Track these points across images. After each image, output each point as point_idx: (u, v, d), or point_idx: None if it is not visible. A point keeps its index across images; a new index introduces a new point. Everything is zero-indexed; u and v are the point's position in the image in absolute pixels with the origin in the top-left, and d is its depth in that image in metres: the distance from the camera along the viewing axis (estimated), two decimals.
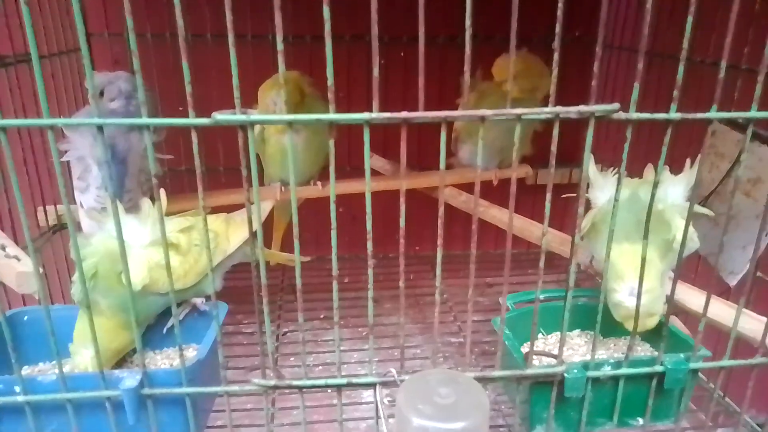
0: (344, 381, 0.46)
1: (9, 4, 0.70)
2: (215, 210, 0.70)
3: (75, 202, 0.70)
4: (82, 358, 0.50)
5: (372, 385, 0.46)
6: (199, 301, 0.60)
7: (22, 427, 0.45)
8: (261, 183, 0.92)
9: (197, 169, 0.39)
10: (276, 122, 0.39)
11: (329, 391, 0.65)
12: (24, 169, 0.72)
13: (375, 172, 0.94)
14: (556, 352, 0.47)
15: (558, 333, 0.60)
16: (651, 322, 0.52)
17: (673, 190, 0.58)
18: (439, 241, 0.42)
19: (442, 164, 0.41)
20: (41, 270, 0.59)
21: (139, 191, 0.72)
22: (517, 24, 0.37)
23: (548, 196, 0.41)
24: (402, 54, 0.98)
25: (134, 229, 0.55)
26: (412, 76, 0.96)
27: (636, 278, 0.45)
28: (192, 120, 0.38)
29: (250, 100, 0.84)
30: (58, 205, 0.77)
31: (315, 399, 0.63)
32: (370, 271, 0.44)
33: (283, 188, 0.82)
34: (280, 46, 0.36)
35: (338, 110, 0.38)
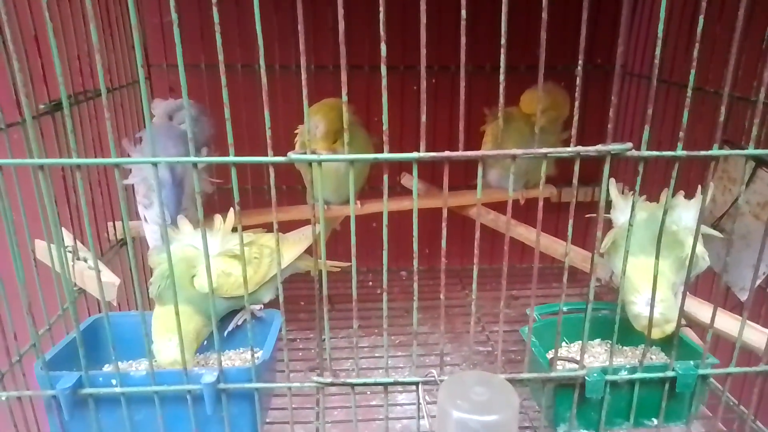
0: (391, 380, 0.53)
1: (71, 43, 0.79)
2: (264, 226, 0.78)
3: (140, 218, 0.78)
4: (167, 349, 0.57)
5: (415, 384, 0.53)
6: (256, 307, 0.67)
7: (117, 415, 0.53)
8: (304, 202, 1.01)
9: (272, 198, 0.47)
10: (340, 160, 0.45)
11: (368, 393, 0.72)
12: (98, 189, 0.80)
13: (408, 192, 1.01)
14: (578, 358, 0.53)
15: (580, 342, 0.66)
16: (669, 328, 0.57)
17: (686, 214, 0.64)
18: (476, 260, 0.49)
19: (479, 194, 0.48)
20: (119, 281, 0.68)
21: (194, 209, 0.80)
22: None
23: (570, 220, 0.48)
24: (434, 81, 1.05)
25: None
26: (441, 102, 1.03)
27: (651, 290, 0.51)
28: (270, 159, 0.45)
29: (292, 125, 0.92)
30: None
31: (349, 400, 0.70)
32: (415, 285, 0.50)
33: (326, 207, 0.90)
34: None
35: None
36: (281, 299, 0.51)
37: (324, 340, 0.52)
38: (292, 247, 0.71)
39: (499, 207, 0.91)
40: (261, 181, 1.06)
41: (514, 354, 0.89)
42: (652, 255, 0.54)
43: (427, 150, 0.45)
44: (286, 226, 0.84)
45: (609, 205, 0.69)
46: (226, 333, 0.68)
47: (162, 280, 0.60)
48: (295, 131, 0.90)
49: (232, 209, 0.68)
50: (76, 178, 0.45)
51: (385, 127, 0.45)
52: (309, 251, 1.04)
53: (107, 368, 0.65)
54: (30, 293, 0.50)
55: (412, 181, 1.07)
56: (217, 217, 0.66)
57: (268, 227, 0.78)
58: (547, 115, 0.82)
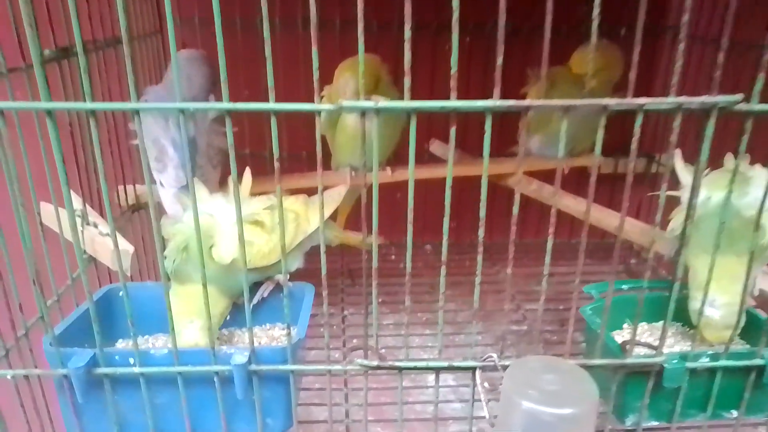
0: (445, 363, 0.47)
1: None
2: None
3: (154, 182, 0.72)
4: (189, 332, 0.51)
5: (471, 369, 0.47)
6: (281, 277, 0.61)
7: (136, 397, 0.47)
8: (328, 168, 0.94)
9: (318, 154, 0.40)
10: (399, 110, 0.38)
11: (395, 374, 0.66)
12: (108, 149, 0.74)
13: (438, 160, 0.94)
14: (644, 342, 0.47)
15: (645, 324, 0.60)
16: (727, 334, 0.51)
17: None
18: (513, 235, 0.42)
19: (521, 155, 0.41)
20: (133, 249, 0.61)
21: (210, 166, 0.74)
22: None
23: (627, 190, 0.41)
24: (468, 40, 0.98)
25: (223, 208, 0.57)
26: (475, 62, 0.95)
27: (717, 291, 0.46)
28: (318, 105, 0.38)
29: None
30: (136, 185, 0.79)
31: (380, 381, 0.64)
32: (479, 258, 0.44)
33: (353, 173, 0.83)
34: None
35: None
36: (323, 270, 0.45)
37: (370, 318, 0.46)
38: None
39: (542, 177, 0.84)
40: (261, 147, 0.99)
41: (550, 334, 0.84)
42: (722, 250, 0.46)
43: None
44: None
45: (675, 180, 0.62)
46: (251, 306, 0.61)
47: (178, 254, 0.53)
48: (321, 94, 0.83)
49: (248, 169, 0.62)
50: (88, 134, 0.39)
51: (453, 70, 0.38)
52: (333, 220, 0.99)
53: (121, 344, 0.59)
54: (37, 261, 0.44)
55: (440, 148, 1.01)
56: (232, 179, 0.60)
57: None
58: (599, 76, 0.74)
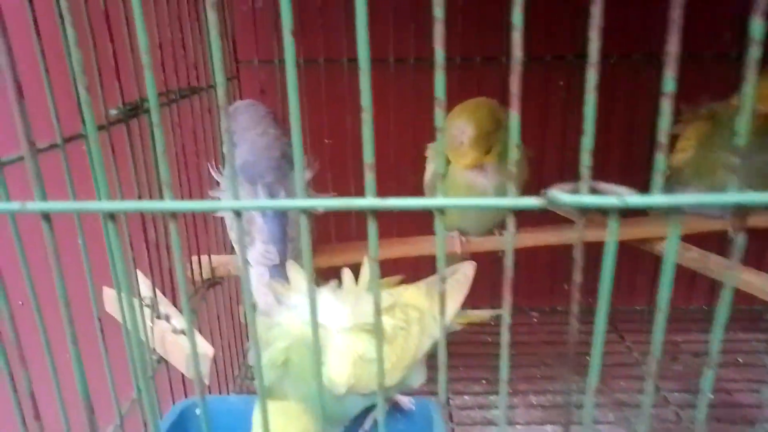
0: None
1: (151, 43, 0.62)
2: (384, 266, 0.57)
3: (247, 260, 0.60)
4: None
5: None
6: (405, 399, 0.47)
7: None
8: (428, 229, 0.80)
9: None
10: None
11: None
12: (182, 218, 0.63)
13: (562, 219, 0.79)
14: None
15: None
16: None
17: None
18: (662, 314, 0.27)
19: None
20: (213, 352, 0.49)
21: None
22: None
23: None
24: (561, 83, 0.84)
25: (332, 308, 0.44)
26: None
27: None
28: (517, 200, 0.24)
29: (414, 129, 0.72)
30: (212, 256, 0.68)
31: None
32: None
33: (463, 239, 0.69)
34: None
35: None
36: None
37: None
38: (448, 302, 0.51)
39: (697, 242, 0.67)
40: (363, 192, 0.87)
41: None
42: None
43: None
44: (405, 265, 0.64)
45: None
46: None
47: (274, 371, 0.41)
48: (426, 146, 0.70)
49: (366, 258, 0.48)
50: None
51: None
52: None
53: None
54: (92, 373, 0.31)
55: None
56: (346, 271, 0.47)
57: (386, 267, 0.58)
58: None
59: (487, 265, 0.63)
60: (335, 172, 0.83)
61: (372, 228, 0.25)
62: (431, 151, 0.68)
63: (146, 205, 0.26)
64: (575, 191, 0.24)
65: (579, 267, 0.25)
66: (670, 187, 0.70)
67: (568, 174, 0.27)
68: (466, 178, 0.63)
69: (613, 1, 0.24)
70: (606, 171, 0.27)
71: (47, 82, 0.35)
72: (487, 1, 0.79)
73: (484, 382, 0.79)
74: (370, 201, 0.25)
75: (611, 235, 0.24)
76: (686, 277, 0.86)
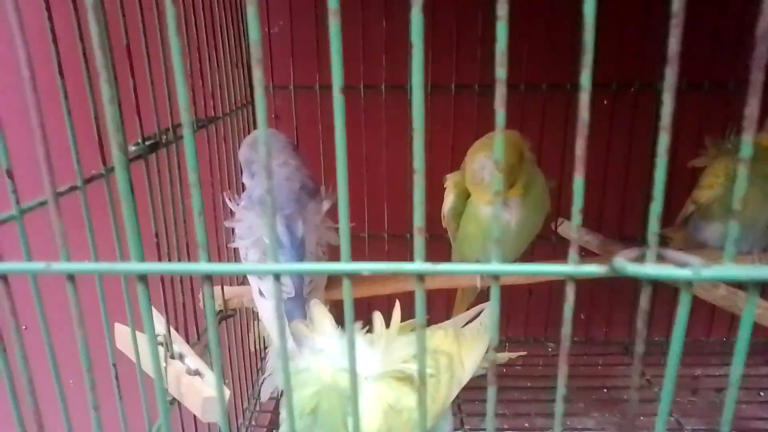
0: None
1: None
2: (394, 297, 0.55)
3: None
4: None
5: None
6: None
7: None
8: (444, 257, 0.79)
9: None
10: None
11: None
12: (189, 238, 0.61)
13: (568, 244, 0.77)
14: None
15: None
16: None
17: None
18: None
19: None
20: (229, 394, 0.47)
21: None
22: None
23: None
24: (605, 102, 0.82)
25: (361, 354, 0.42)
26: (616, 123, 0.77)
27: None
28: (579, 267, 0.23)
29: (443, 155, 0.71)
30: (225, 287, 0.66)
31: None
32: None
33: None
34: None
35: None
36: None
37: None
38: (473, 347, 0.49)
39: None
40: (380, 227, 0.85)
41: None
42: None
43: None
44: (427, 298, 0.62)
45: None
46: None
47: (303, 419, 0.39)
48: (444, 177, 0.68)
49: (397, 306, 0.46)
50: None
51: None
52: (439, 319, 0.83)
53: None
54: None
55: (571, 230, 0.84)
56: (377, 316, 0.45)
57: (392, 299, 0.55)
58: None
59: (504, 291, 0.62)
60: (352, 196, 0.81)
61: (420, 294, 0.24)
62: (450, 182, 0.67)
63: (180, 267, 0.24)
64: (641, 259, 0.23)
65: (642, 337, 0.24)
66: (696, 223, 0.68)
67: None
68: (488, 213, 0.62)
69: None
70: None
71: (69, 123, 0.34)
72: (553, 27, 0.77)
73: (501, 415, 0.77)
74: (419, 265, 0.23)
75: (683, 307, 0.22)
76: (706, 309, 0.84)
